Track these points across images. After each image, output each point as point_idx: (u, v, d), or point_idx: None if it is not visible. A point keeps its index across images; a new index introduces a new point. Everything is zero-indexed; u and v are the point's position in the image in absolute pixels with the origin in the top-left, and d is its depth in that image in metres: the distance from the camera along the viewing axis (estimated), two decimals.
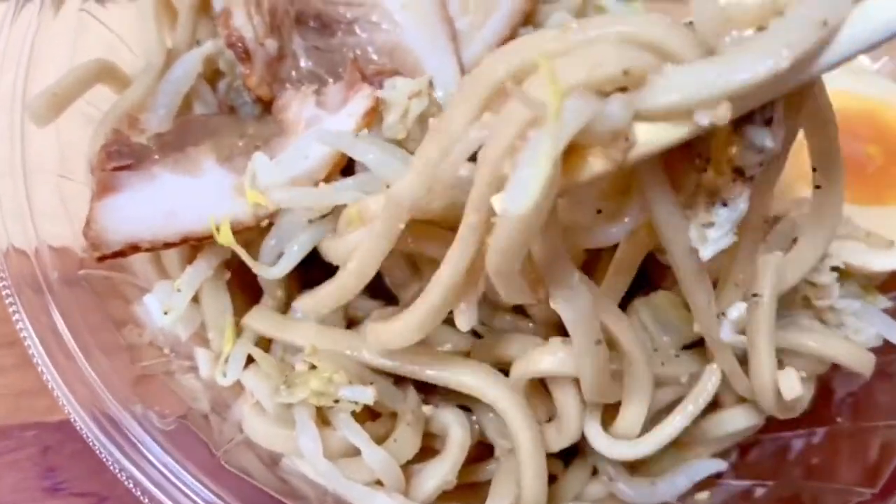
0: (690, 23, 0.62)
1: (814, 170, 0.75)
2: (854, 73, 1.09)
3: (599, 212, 0.67)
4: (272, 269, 0.77)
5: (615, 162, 0.56)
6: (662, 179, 0.64)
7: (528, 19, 0.97)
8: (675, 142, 0.57)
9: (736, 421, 0.89)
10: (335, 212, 0.75)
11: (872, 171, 0.99)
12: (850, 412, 0.91)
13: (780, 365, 0.84)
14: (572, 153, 0.55)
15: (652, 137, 0.56)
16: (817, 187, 0.77)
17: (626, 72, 0.54)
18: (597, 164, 0.57)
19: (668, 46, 0.55)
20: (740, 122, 0.60)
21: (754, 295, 0.81)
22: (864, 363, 0.86)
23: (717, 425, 0.89)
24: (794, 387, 0.83)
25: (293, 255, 0.77)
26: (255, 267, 0.77)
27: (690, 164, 0.64)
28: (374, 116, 0.77)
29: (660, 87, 0.54)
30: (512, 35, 0.94)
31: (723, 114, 0.53)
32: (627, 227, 0.67)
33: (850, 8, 0.55)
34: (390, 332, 0.71)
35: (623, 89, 0.55)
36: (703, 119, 0.54)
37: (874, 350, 0.91)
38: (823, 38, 0.54)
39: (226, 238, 0.74)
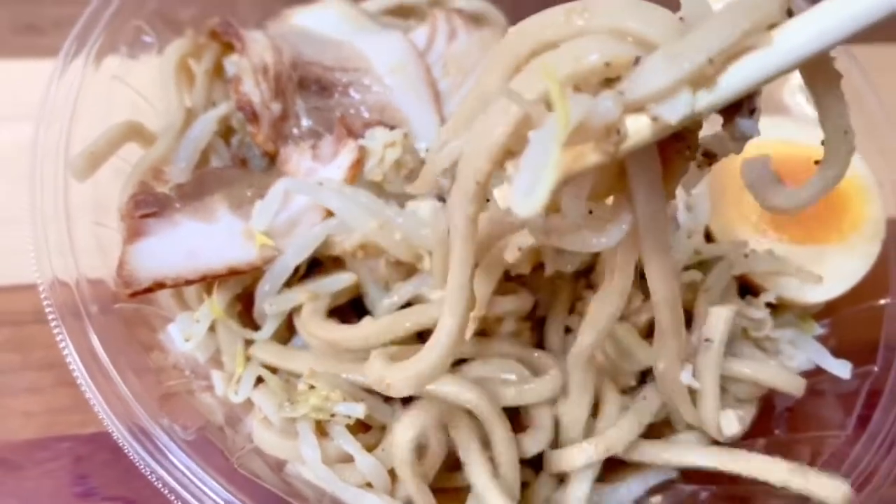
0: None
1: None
2: (796, 123, 1.19)
3: (591, 212, 0.65)
4: (260, 333, 0.92)
5: (608, 154, 0.55)
6: (653, 175, 0.64)
7: None
8: (664, 132, 0.56)
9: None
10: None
11: (806, 214, 1.06)
12: (786, 425, 1.01)
13: (724, 390, 0.96)
14: (565, 147, 0.54)
15: (642, 128, 0.56)
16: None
17: (607, 63, 0.55)
18: (590, 156, 0.56)
19: (649, 36, 0.56)
20: (731, 114, 0.61)
21: (706, 339, 0.92)
22: (794, 386, 0.97)
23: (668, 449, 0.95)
24: (731, 426, 0.94)
25: (276, 319, 0.92)
26: (248, 333, 0.91)
27: (681, 155, 0.64)
28: (359, 168, 0.89)
29: (643, 76, 0.54)
30: None
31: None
32: (621, 233, 0.65)
33: None
34: (401, 381, 0.72)
35: (609, 80, 0.56)
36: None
37: (807, 372, 1.02)
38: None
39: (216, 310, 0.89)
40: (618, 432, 0.90)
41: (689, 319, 0.95)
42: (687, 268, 1.00)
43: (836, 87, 0.63)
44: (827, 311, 1.08)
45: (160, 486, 0.79)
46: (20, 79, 1.26)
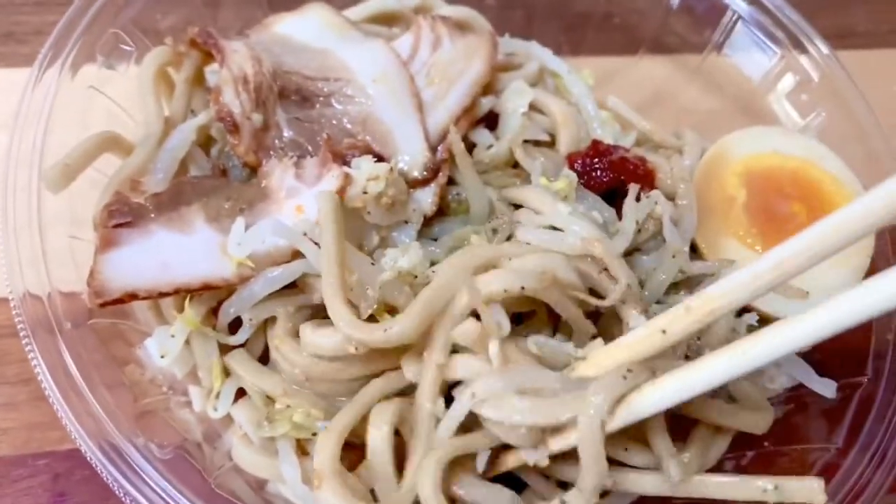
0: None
1: None
2: (783, 135, 1.19)
3: None
4: (233, 338, 0.91)
5: None
6: None
7: (488, 89, 1.08)
8: None
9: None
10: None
11: (794, 227, 1.05)
12: (774, 437, 0.99)
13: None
14: None
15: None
16: None
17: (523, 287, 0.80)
18: None
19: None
20: None
21: None
22: (757, 426, 0.95)
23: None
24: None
25: (250, 326, 0.91)
26: (222, 338, 0.90)
27: None
28: (343, 194, 0.88)
29: None
30: (472, 104, 1.05)
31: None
32: None
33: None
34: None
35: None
36: None
37: (793, 387, 1.02)
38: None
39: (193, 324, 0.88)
40: None
41: None
42: (674, 285, 0.99)
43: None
44: None
45: None
46: None
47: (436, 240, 0.98)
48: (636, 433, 0.88)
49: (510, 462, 0.84)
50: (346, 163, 0.92)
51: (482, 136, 1.07)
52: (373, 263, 0.87)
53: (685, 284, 0.99)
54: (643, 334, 0.80)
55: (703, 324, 0.76)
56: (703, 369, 0.75)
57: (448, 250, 0.94)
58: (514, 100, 1.09)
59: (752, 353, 0.72)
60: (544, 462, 0.79)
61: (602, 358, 0.82)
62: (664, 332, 0.78)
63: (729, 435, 0.97)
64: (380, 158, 0.97)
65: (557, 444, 0.80)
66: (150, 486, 0.78)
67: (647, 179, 1.06)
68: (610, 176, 1.02)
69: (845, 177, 1.14)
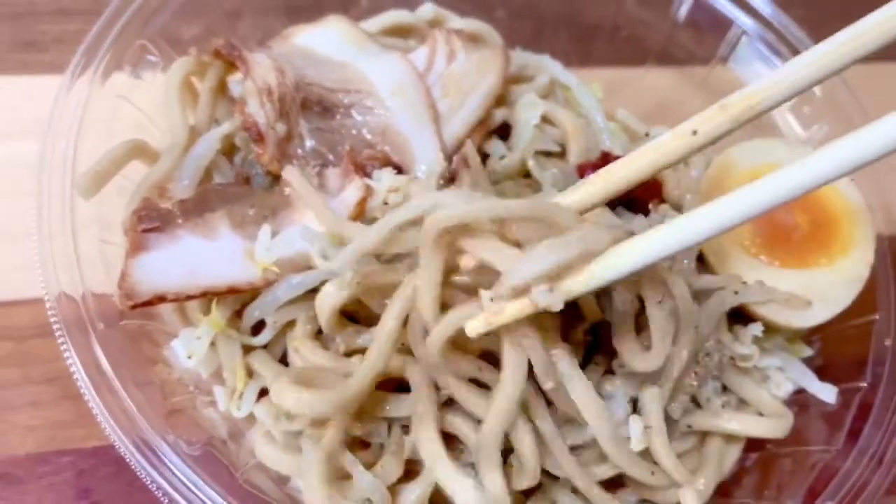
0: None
1: None
2: (787, 146, 1.22)
3: None
4: (256, 339, 0.94)
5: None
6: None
7: (500, 101, 1.12)
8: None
9: None
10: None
11: (798, 237, 1.11)
12: (775, 440, 1.02)
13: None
14: None
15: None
16: None
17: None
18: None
19: None
20: None
21: (646, 426, 0.92)
22: (776, 431, 0.99)
23: None
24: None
25: (273, 329, 0.94)
26: (245, 339, 0.93)
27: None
28: (364, 205, 0.91)
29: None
30: (486, 115, 1.08)
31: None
32: None
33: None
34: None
35: None
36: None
37: (795, 392, 1.06)
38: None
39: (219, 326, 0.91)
40: None
41: None
42: None
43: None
44: (816, 329, 1.10)
45: (165, 500, 0.80)
46: (20, 96, 1.26)
47: None
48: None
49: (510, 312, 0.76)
50: (367, 174, 0.96)
51: (495, 147, 1.10)
52: None
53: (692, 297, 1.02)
54: (670, 138, 0.75)
55: (738, 123, 0.72)
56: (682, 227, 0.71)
57: None
58: (526, 112, 1.12)
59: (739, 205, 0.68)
60: (559, 305, 0.73)
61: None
62: (695, 132, 0.73)
63: (741, 442, 1.00)
64: (398, 168, 1.00)
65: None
66: (182, 480, 0.80)
67: (656, 190, 1.09)
68: None
69: (847, 189, 1.16)
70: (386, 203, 0.91)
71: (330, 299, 0.88)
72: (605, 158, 1.08)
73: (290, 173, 0.95)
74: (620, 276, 0.73)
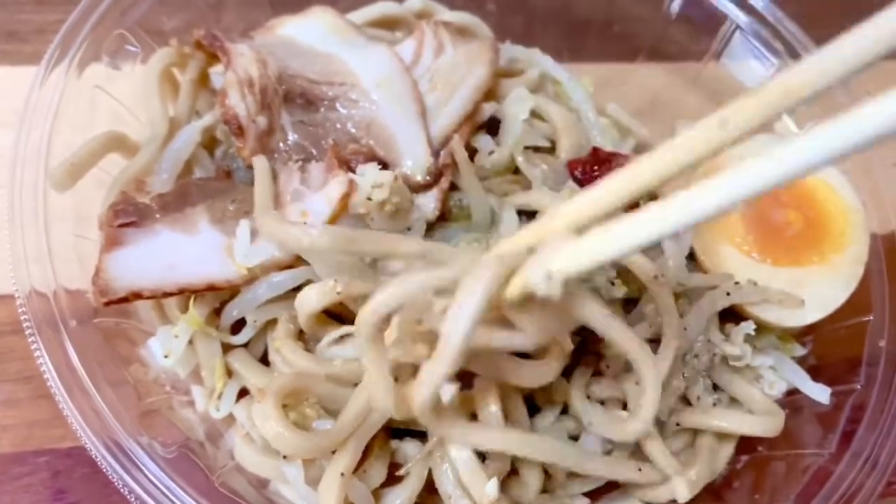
0: None
1: None
2: (778, 143, 1.21)
3: None
4: (235, 338, 0.92)
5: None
6: None
7: (489, 95, 1.09)
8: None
9: None
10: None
11: (791, 235, 1.09)
12: (767, 442, 1.01)
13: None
14: None
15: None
16: None
17: None
18: None
19: None
20: None
21: None
22: (768, 429, 0.97)
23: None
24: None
25: (253, 328, 0.92)
26: (225, 337, 0.91)
27: None
28: (347, 201, 0.88)
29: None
30: (475, 110, 1.05)
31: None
32: None
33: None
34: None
35: None
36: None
37: (787, 392, 1.04)
38: None
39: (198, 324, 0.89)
40: None
41: None
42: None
43: None
44: (808, 329, 1.09)
45: None
46: (1, 86, 1.24)
47: None
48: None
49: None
50: (351, 169, 0.93)
51: (484, 142, 1.07)
52: None
53: (684, 296, 1.00)
54: (697, 131, 0.63)
55: (776, 112, 0.61)
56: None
57: None
58: (516, 106, 1.09)
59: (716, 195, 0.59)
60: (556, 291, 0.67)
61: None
62: (724, 122, 0.61)
63: (733, 441, 0.98)
64: (383, 163, 0.97)
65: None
66: (155, 483, 0.78)
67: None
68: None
69: (840, 185, 1.14)
70: (369, 199, 0.89)
71: (310, 303, 0.86)
72: (596, 154, 1.06)
73: (257, 161, 0.93)
74: (608, 259, 0.66)
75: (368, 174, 0.90)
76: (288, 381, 0.85)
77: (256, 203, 0.90)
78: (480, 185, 1.00)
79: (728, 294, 0.99)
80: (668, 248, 0.99)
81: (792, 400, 1.04)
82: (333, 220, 0.90)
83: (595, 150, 1.08)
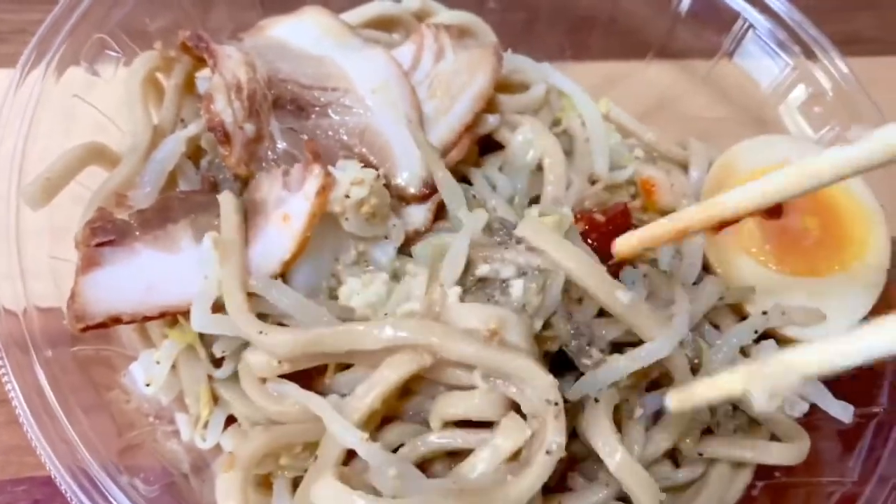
0: None
1: None
2: (793, 144, 1.15)
3: None
4: (219, 372, 0.86)
5: None
6: None
7: (491, 107, 1.03)
8: None
9: None
10: None
11: (809, 243, 1.04)
12: (785, 468, 0.96)
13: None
14: None
15: None
16: None
17: None
18: None
19: None
20: None
21: None
22: (791, 457, 0.93)
23: None
24: None
25: (230, 359, 0.87)
26: (208, 369, 0.86)
27: None
28: (325, 196, 0.82)
29: None
30: (475, 120, 1.00)
31: None
32: None
33: None
34: None
35: None
36: None
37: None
38: None
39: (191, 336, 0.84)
40: None
41: None
42: None
43: None
44: None
45: None
46: None
47: None
48: None
49: None
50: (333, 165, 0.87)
51: (491, 171, 1.02)
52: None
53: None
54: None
55: None
56: None
57: (429, 262, 0.88)
58: (525, 149, 1.03)
59: None
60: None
61: None
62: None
63: (750, 469, 0.93)
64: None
65: None
66: None
67: (624, 224, 0.95)
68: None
69: (859, 189, 1.09)
70: (347, 196, 0.83)
71: (255, 368, 0.83)
72: (592, 223, 0.96)
73: (223, 199, 0.87)
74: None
75: (349, 170, 0.84)
76: (260, 446, 0.79)
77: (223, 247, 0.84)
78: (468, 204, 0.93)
79: (756, 332, 0.96)
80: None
81: (808, 421, 0.98)
82: (312, 220, 0.83)
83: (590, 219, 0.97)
